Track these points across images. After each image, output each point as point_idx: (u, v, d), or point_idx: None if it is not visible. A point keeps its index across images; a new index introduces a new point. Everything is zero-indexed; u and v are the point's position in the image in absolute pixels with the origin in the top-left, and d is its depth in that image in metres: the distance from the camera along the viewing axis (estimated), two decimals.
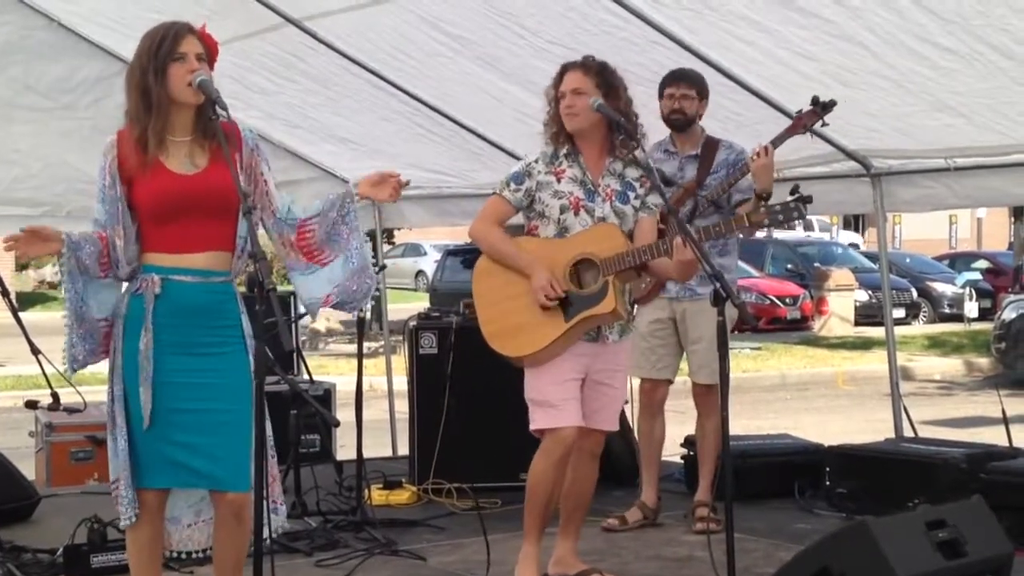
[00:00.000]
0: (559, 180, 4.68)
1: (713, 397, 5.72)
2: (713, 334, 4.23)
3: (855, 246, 31.44)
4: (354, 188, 4.03)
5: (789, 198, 4.63)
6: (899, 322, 20.70)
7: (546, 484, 4.68)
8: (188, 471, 3.79)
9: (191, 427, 3.76)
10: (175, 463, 3.77)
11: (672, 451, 6.44)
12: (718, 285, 4.12)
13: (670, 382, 5.96)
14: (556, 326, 4.59)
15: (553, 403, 4.61)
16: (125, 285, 3.86)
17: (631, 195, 4.74)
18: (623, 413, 7.07)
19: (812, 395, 14.46)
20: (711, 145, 5.76)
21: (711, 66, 5.63)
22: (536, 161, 4.73)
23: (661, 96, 5.67)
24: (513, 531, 5.04)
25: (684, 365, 5.99)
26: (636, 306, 5.95)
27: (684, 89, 5.61)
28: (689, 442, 6.45)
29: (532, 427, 4.68)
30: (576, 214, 4.65)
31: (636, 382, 6.12)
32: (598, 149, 4.73)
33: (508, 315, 4.64)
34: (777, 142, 5.44)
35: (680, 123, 5.69)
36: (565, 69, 4.72)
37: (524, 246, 4.69)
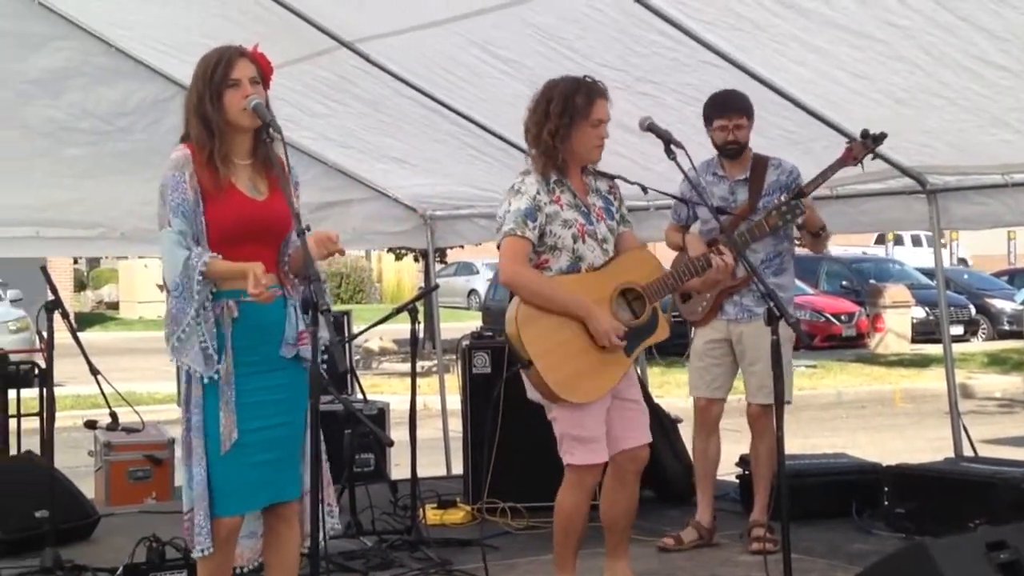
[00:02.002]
0: (562, 208, 4.53)
1: (769, 417, 5.68)
2: (769, 354, 4.20)
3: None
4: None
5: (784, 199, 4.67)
6: (957, 339, 20.49)
7: (580, 517, 4.60)
8: (259, 492, 3.83)
9: (266, 444, 3.81)
10: (252, 485, 3.80)
11: (727, 470, 6.41)
12: (771, 304, 4.11)
13: (724, 400, 5.94)
14: (619, 363, 4.52)
15: (595, 438, 4.52)
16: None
17: (612, 209, 4.67)
18: (678, 432, 7.08)
19: (869, 413, 14.33)
20: (760, 165, 5.74)
21: (763, 84, 5.61)
22: (538, 193, 4.49)
23: (708, 124, 5.66)
24: None
25: (737, 383, 5.96)
26: (693, 328, 5.94)
27: (736, 119, 5.60)
28: (744, 461, 6.41)
29: (571, 462, 4.54)
30: (584, 241, 4.53)
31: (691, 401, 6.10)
32: (577, 169, 4.63)
33: (567, 361, 4.45)
34: (827, 174, 5.49)
35: (735, 152, 5.69)
36: (595, 95, 4.52)
37: (565, 286, 4.50)
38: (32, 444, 6.81)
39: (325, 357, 3.76)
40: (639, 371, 7.37)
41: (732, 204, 5.73)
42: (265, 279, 3.70)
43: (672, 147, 4.53)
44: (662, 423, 6.88)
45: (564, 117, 4.47)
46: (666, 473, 6.81)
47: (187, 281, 3.72)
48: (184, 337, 3.75)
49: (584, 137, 4.51)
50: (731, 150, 5.68)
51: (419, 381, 6.23)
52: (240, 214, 3.80)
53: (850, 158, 5.46)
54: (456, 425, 7.18)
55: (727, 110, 5.60)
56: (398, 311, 5.96)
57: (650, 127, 4.60)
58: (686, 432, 6.53)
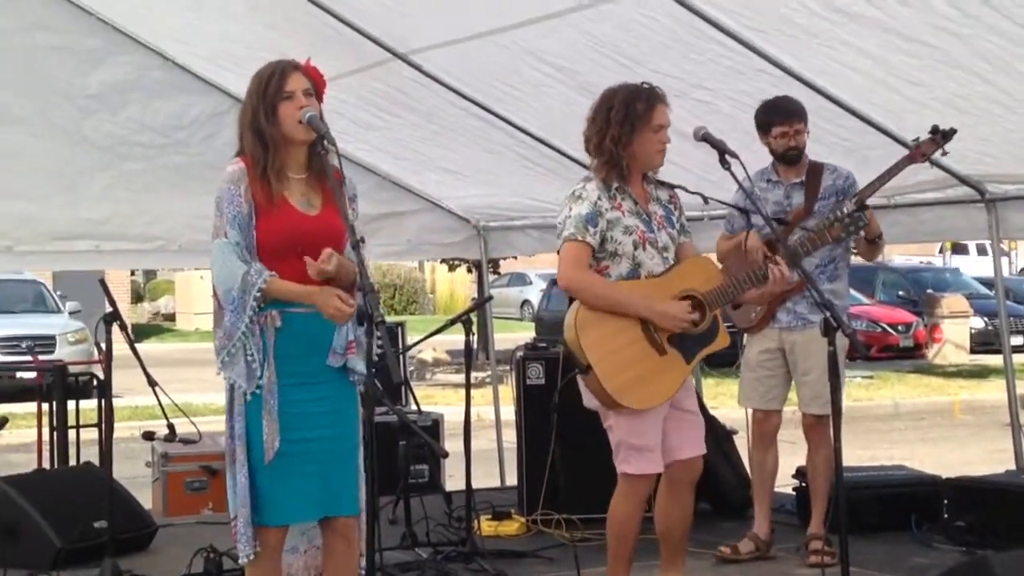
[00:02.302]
0: (623, 215, 4.53)
1: (824, 428, 5.64)
2: (824, 364, 4.16)
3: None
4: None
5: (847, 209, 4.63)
6: (1017, 349, 20.16)
7: (633, 527, 4.58)
8: (307, 503, 3.83)
9: (311, 456, 3.81)
10: (295, 496, 3.80)
11: (783, 482, 6.35)
12: (828, 314, 4.07)
13: (780, 412, 5.89)
14: (679, 369, 4.49)
15: (652, 447, 4.50)
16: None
17: (673, 218, 4.66)
18: (733, 443, 7.03)
19: (927, 425, 14.17)
20: (815, 170, 5.70)
21: (818, 92, 5.57)
22: (599, 198, 4.50)
23: (766, 131, 5.62)
24: None
25: (792, 395, 5.91)
26: (745, 336, 5.90)
27: (797, 125, 5.57)
28: (801, 473, 6.35)
29: (627, 470, 4.53)
30: (644, 248, 4.52)
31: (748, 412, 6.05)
32: (638, 177, 4.63)
33: (626, 366, 4.42)
34: (893, 172, 5.38)
35: (796, 157, 5.66)
36: (655, 101, 4.52)
37: (625, 290, 4.48)
38: (91, 455, 6.88)
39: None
40: (693, 382, 7.33)
41: (787, 208, 5.69)
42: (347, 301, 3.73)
43: (727, 157, 4.50)
44: (717, 435, 6.83)
45: (626, 124, 4.47)
46: (722, 485, 6.77)
47: (243, 296, 3.74)
48: (234, 351, 3.78)
49: (646, 143, 4.51)
50: (792, 156, 5.65)
51: (473, 392, 6.22)
52: (290, 229, 3.82)
53: (918, 155, 5.35)
54: (510, 436, 7.17)
55: (788, 116, 5.56)
56: (452, 322, 5.97)
57: (705, 137, 4.58)
58: (741, 443, 6.48)
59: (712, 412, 7.25)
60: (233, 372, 3.79)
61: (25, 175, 6.93)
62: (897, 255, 29.94)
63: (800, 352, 5.67)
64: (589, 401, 4.56)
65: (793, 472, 6.46)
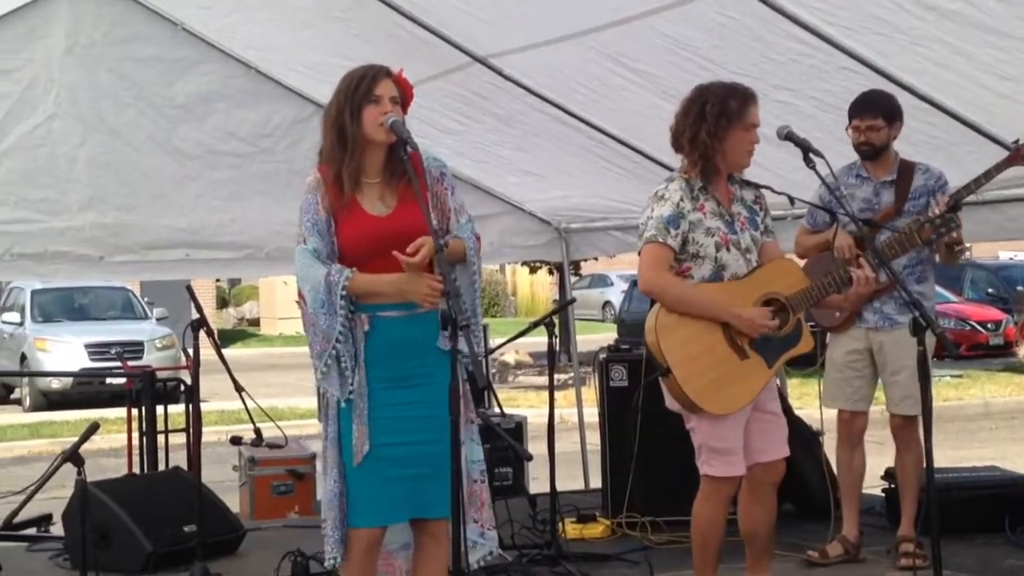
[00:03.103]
0: (706, 216, 4.49)
1: (913, 429, 5.56)
2: (914, 364, 4.10)
3: None
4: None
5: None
6: None
7: (717, 529, 4.54)
8: (397, 505, 3.86)
9: (402, 460, 3.84)
10: (385, 498, 3.83)
11: (871, 483, 6.27)
12: (917, 314, 4.01)
13: (867, 412, 5.81)
14: (760, 373, 4.45)
15: (734, 450, 4.46)
16: None
17: (757, 219, 4.62)
18: (820, 445, 6.95)
19: (1020, 424, 13.90)
20: (907, 169, 5.61)
21: (905, 89, 5.48)
22: (681, 200, 4.46)
23: (849, 123, 5.55)
24: None
25: (878, 395, 5.82)
26: (829, 335, 5.83)
27: (869, 120, 5.47)
28: (890, 474, 6.26)
29: (709, 472, 4.50)
30: (728, 250, 4.48)
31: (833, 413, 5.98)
32: (724, 177, 4.59)
33: (707, 370, 4.39)
34: (992, 174, 5.26)
35: (869, 153, 5.58)
36: (748, 99, 4.49)
37: (707, 292, 4.46)
38: (179, 459, 6.98)
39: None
40: (778, 383, 7.26)
41: (875, 206, 5.61)
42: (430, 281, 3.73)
43: (811, 156, 4.45)
44: (803, 436, 6.76)
45: (722, 119, 4.44)
46: (808, 487, 6.69)
47: (330, 296, 3.78)
48: (330, 362, 3.81)
49: (738, 141, 4.48)
50: (864, 151, 5.57)
51: (556, 394, 6.22)
52: (359, 233, 3.85)
53: (1017, 158, 5.24)
54: (594, 438, 7.15)
55: (861, 111, 5.48)
56: (536, 325, 5.97)
57: (788, 136, 4.53)
58: (827, 444, 6.40)
59: (797, 412, 7.18)
60: (327, 381, 3.84)
61: (119, 185, 7.05)
62: (1004, 250, 29.50)
63: (889, 352, 5.59)
64: (671, 403, 4.54)
65: (881, 473, 6.37)
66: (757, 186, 4.69)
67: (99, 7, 6.62)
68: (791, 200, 4.68)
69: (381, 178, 3.93)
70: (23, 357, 18.05)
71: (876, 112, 5.46)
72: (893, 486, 6.18)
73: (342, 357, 3.81)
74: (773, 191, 4.68)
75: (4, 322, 19.08)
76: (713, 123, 4.44)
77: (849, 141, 5.58)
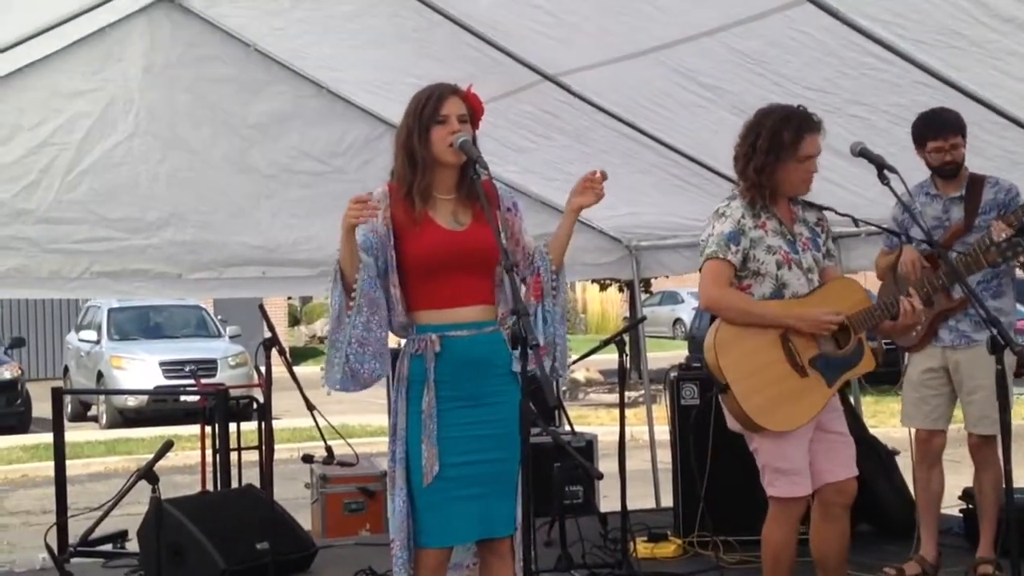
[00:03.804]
0: (767, 234, 4.47)
1: (991, 448, 5.47)
2: (992, 382, 4.03)
3: None
4: (545, 248, 4.14)
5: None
6: None
7: (788, 551, 4.49)
8: (465, 526, 3.85)
9: (471, 479, 3.82)
10: (454, 518, 3.82)
11: (949, 503, 6.16)
12: (995, 332, 3.94)
13: (945, 431, 5.72)
14: (820, 391, 4.41)
15: (797, 470, 4.42)
16: (404, 344, 3.96)
17: (819, 241, 4.58)
18: (895, 464, 6.86)
19: None
20: (976, 184, 5.54)
21: (981, 103, 5.40)
22: (743, 217, 4.46)
23: (921, 145, 5.48)
24: None
25: (956, 413, 5.73)
26: (908, 354, 5.75)
27: (952, 139, 5.41)
28: (968, 494, 6.16)
29: (774, 494, 4.47)
30: (789, 268, 4.45)
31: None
32: (785, 198, 4.56)
33: (767, 386, 4.38)
34: None
35: (953, 171, 5.51)
36: (804, 130, 4.44)
37: (769, 307, 4.44)
38: (252, 477, 7.03)
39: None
40: (852, 401, 7.18)
41: (945, 222, 5.54)
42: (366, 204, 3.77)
43: (885, 172, 4.40)
44: (879, 455, 6.68)
45: (770, 155, 4.43)
46: (884, 506, 6.60)
47: (334, 285, 3.88)
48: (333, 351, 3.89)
49: (791, 172, 4.46)
50: (948, 171, 5.50)
51: (627, 412, 6.20)
52: (435, 244, 3.85)
53: None
54: (665, 456, 7.11)
55: (943, 130, 5.41)
56: (607, 343, 5.96)
57: (862, 152, 4.49)
58: (904, 463, 6.31)
59: (872, 431, 7.10)
60: (328, 371, 3.93)
61: (197, 203, 7.13)
62: None
63: (965, 371, 5.51)
64: (732, 423, 4.51)
65: (960, 493, 6.26)
66: (820, 208, 4.65)
67: (174, 29, 6.72)
68: (855, 221, 4.65)
69: (455, 195, 3.94)
70: (100, 375, 18.32)
71: (956, 130, 5.41)
72: (971, 506, 6.08)
73: (338, 344, 3.86)
74: (836, 212, 4.64)
75: (81, 340, 19.38)
76: (763, 157, 4.43)
77: (922, 163, 5.52)
